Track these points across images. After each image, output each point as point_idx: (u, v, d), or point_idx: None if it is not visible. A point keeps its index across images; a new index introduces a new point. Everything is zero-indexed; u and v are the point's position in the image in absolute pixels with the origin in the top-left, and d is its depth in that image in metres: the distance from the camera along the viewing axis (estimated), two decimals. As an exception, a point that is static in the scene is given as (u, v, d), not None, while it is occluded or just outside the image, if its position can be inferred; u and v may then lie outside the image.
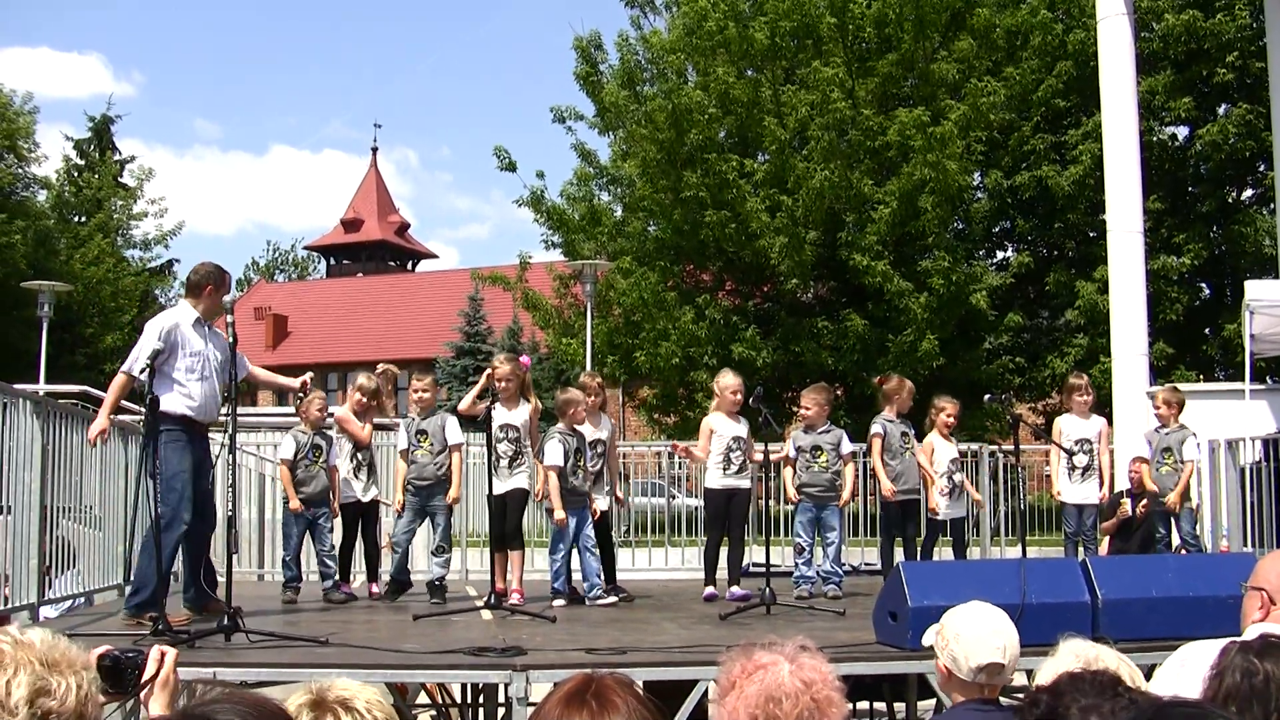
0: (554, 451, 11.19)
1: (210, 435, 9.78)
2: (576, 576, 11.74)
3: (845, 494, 11.85)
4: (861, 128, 30.48)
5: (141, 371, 9.06)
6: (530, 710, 7.21)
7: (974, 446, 18.41)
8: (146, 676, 3.91)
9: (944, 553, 13.05)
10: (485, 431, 10.73)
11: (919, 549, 12.52)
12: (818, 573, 11.75)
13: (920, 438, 12.57)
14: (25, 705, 2.75)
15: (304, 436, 11.87)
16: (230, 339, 8.98)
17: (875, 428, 12.42)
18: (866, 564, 16.13)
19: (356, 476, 12.22)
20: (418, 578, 12.26)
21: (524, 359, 11.79)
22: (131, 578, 9.77)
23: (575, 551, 11.52)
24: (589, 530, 11.41)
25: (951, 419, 12.53)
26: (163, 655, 3.90)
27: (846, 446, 11.92)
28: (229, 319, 9.05)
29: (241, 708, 2.47)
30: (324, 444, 11.94)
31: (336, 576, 11.90)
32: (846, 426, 12.22)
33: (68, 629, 8.37)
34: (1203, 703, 2.20)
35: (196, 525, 9.49)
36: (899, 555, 12.24)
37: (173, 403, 9.36)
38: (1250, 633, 4.69)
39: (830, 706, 3.27)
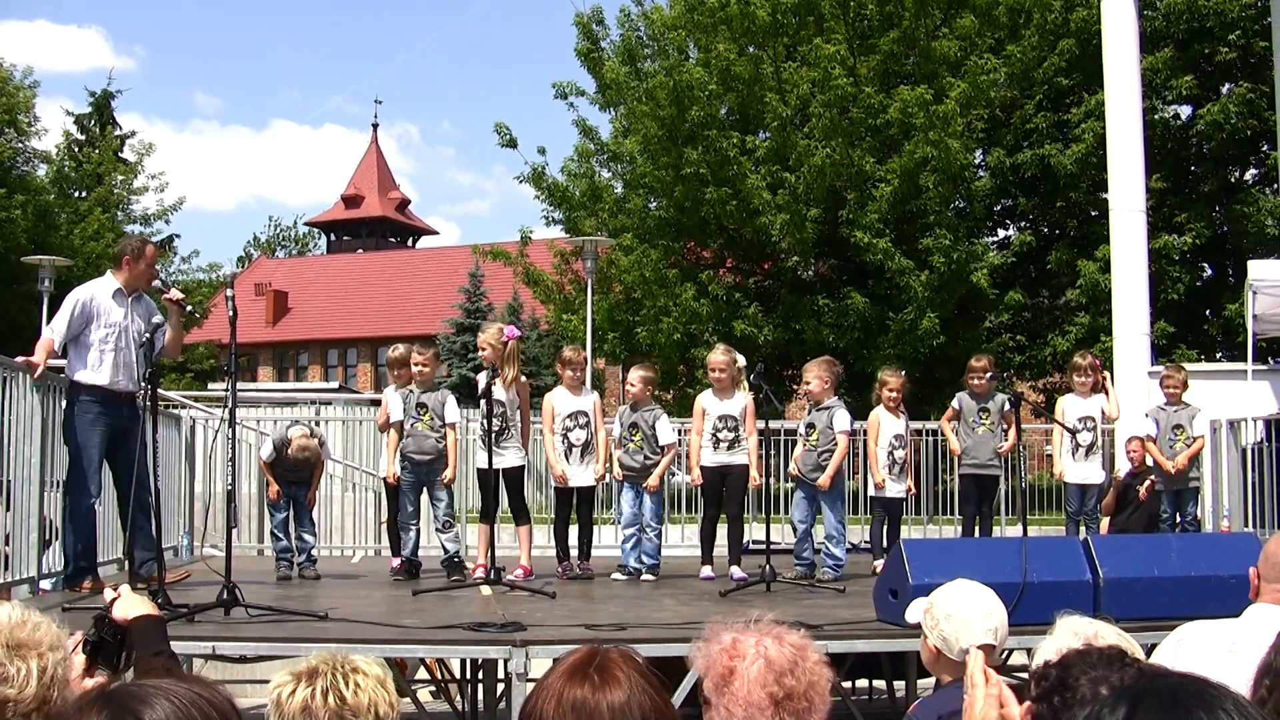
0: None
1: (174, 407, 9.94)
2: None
3: (825, 477, 11.42)
4: (863, 105, 30.38)
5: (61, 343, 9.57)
6: (530, 685, 7.22)
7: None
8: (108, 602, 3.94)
9: (944, 531, 13.02)
10: (485, 404, 10.64)
11: (981, 527, 12.58)
12: (819, 552, 11.69)
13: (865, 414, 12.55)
14: None
15: (295, 427, 11.89)
16: (231, 313, 8.91)
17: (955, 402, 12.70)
18: (865, 542, 16.11)
19: None
20: (424, 554, 12.16)
21: (509, 329, 11.61)
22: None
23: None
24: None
25: (895, 393, 12.38)
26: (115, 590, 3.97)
27: (841, 424, 11.61)
28: (229, 293, 9.02)
29: (174, 694, 2.34)
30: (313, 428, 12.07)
31: (313, 551, 11.98)
32: (846, 404, 12.09)
33: (64, 603, 8.37)
34: (1203, 677, 2.17)
35: (98, 495, 9.85)
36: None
37: (86, 374, 9.70)
38: (1250, 612, 4.68)
39: (823, 668, 3.27)
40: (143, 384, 8.85)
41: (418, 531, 11.65)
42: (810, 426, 11.65)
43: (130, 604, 3.93)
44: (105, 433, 9.70)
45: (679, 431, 13.37)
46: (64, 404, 9.88)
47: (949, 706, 4.65)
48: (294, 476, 11.74)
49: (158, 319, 9.34)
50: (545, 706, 2.77)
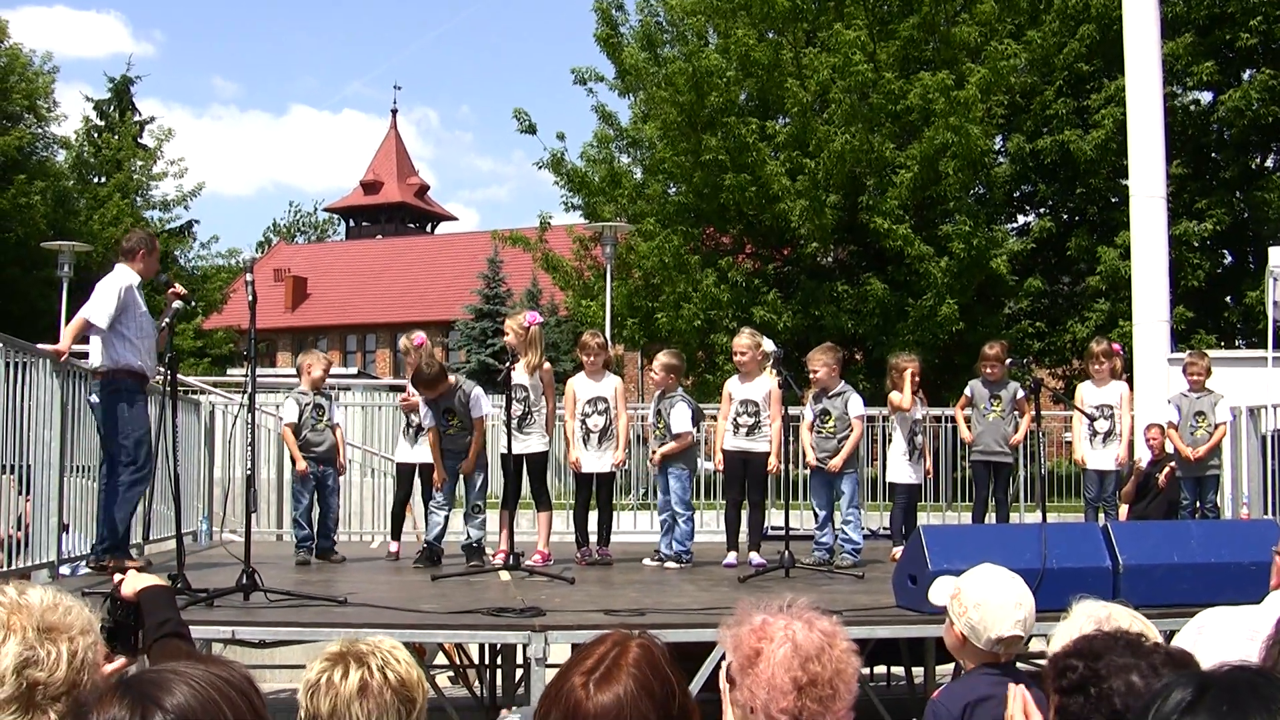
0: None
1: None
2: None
3: (837, 459, 11.43)
4: (883, 91, 30.32)
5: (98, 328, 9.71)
6: (550, 671, 7.23)
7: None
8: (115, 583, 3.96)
9: (962, 517, 12.99)
10: (505, 392, 10.64)
11: (998, 513, 12.56)
12: (837, 538, 11.66)
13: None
14: (12, 676, 2.65)
15: (305, 398, 11.85)
16: (250, 298, 8.93)
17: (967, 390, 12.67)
18: (884, 528, 16.10)
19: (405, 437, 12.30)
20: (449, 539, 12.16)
21: (530, 315, 11.58)
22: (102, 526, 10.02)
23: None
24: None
25: (917, 378, 12.33)
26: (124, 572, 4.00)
27: (856, 409, 11.60)
28: (248, 278, 9.04)
29: (192, 677, 2.34)
30: (325, 403, 11.98)
31: (335, 537, 12.01)
32: (865, 391, 12.06)
33: (83, 587, 8.39)
34: (1267, 670, 2.16)
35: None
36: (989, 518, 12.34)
37: (130, 360, 9.87)
38: (1273, 599, 4.66)
39: (851, 657, 3.25)
40: (163, 369, 8.92)
41: (446, 518, 11.64)
42: (825, 413, 11.60)
43: (136, 579, 3.95)
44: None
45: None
46: (97, 389, 9.98)
47: (976, 694, 4.64)
48: (321, 455, 11.77)
49: (178, 305, 9.50)
50: (550, 701, 2.85)
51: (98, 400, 9.90)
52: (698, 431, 11.73)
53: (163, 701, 2.25)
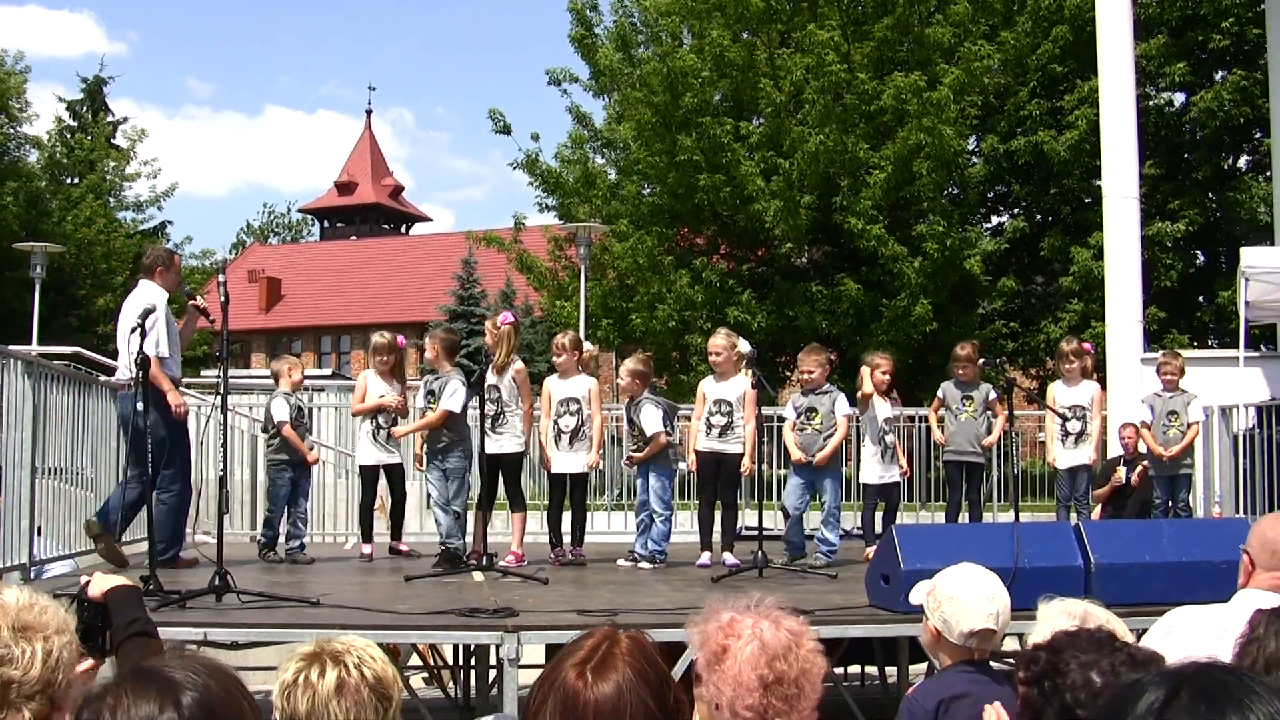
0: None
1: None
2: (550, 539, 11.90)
3: (823, 453, 11.47)
4: (857, 92, 30.37)
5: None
6: (522, 672, 7.22)
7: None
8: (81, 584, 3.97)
9: (936, 517, 13.01)
10: (478, 393, 10.68)
11: (971, 514, 12.61)
12: (813, 538, 11.68)
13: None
14: None
15: (291, 399, 11.91)
16: (222, 299, 8.96)
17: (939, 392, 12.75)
18: (857, 529, 16.12)
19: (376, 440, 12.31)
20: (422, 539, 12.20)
21: (503, 314, 11.67)
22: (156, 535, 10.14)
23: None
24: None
25: (887, 375, 12.38)
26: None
27: (843, 408, 11.63)
28: (220, 279, 9.08)
29: (194, 666, 2.39)
30: (303, 405, 12.14)
31: (305, 539, 12.02)
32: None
33: (55, 590, 8.36)
34: (1239, 669, 2.16)
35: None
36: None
37: (167, 371, 10.45)
38: (1240, 598, 4.68)
39: (818, 656, 3.27)
40: (134, 369, 8.93)
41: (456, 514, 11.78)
42: (812, 410, 11.60)
43: (101, 581, 3.96)
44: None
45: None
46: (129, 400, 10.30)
47: (951, 691, 4.65)
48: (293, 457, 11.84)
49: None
50: (541, 696, 2.83)
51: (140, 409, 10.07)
52: (672, 430, 11.70)
53: (181, 695, 2.28)
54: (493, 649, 7.65)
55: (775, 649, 3.19)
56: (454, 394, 11.44)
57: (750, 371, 11.17)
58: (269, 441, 12.05)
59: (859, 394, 12.29)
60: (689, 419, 12.15)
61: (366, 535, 12.33)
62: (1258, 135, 32.82)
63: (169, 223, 52.36)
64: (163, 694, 2.27)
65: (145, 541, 9.44)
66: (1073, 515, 12.50)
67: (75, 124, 49.53)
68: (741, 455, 11.40)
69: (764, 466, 12.75)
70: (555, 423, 11.55)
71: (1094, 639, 3.58)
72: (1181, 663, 2.15)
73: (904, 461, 12.85)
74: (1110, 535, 8.64)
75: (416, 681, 13.48)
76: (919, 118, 28.85)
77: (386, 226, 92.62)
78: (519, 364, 11.52)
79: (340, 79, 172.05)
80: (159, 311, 10.28)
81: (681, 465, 12.83)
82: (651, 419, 11.46)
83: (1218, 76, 32.92)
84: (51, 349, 23.88)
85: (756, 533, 10.68)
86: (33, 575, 10.07)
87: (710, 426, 11.45)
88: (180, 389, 10.72)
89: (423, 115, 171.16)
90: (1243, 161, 34.72)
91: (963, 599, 4.79)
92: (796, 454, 11.60)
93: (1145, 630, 4.82)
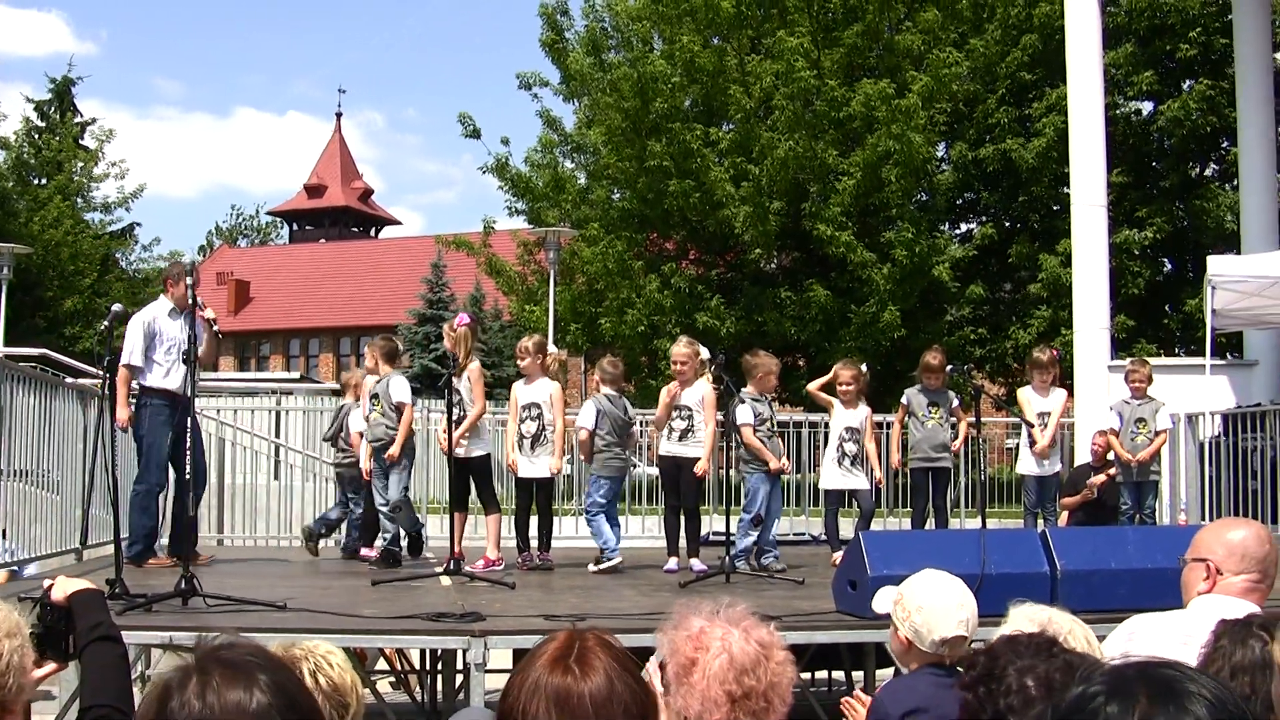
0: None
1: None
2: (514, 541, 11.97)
3: (773, 463, 11.69)
4: (826, 98, 30.40)
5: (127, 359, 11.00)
6: (489, 676, 7.21)
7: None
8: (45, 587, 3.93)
9: (903, 523, 13.03)
10: (446, 396, 10.68)
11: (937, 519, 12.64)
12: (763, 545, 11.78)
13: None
14: None
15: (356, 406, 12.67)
16: (192, 301, 8.98)
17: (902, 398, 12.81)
18: (823, 535, 16.14)
19: None
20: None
21: (460, 316, 11.74)
22: (126, 533, 10.43)
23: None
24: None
25: (848, 385, 12.39)
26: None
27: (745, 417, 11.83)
28: (188, 280, 9.10)
29: (255, 651, 2.44)
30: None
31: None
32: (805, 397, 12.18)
33: (17, 593, 8.32)
34: (1174, 662, 2.17)
35: (165, 483, 11.45)
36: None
37: (157, 380, 11.10)
38: (1201, 604, 4.70)
39: (787, 668, 3.25)
40: (102, 372, 8.97)
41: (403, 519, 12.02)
42: (762, 419, 11.82)
43: (65, 584, 3.93)
44: (171, 432, 11.01)
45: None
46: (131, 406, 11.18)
47: (916, 700, 4.66)
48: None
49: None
50: (526, 698, 2.73)
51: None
52: (640, 435, 11.76)
53: (260, 679, 2.30)
54: (459, 654, 7.63)
55: (744, 663, 3.16)
56: (401, 387, 11.76)
57: (717, 377, 11.25)
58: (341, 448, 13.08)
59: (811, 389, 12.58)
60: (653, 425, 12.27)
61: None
62: (1224, 144, 32.96)
63: (137, 224, 52.24)
64: (248, 679, 2.26)
65: (110, 545, 9.40)
66: (1040, 522, 12.55)
67: (43, 124, 49.29)
68: (698, 460, 11.49)
69: (730, 471, 12.78)
70: (519, 427, 11.57)
71: (1033, 644, 3.60)
72: (1120, 664, 2.15)
73: (877, 468, 12.91)
74: (1076, 542, 8.67)
75: (383, 686, 13.45)
76: (888, 124, 28.89)
77: (356, 230, 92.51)
78: (475, 364, 11.58)
79: (311, 79, 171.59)
80: (151, 324, 11.15)
81: (648, 470, 12.83)
82: (585, 414, 11.79)
83: (1185, 86, 33.05)
84: (18, 350, 23.78)
85: (724, 538, 10.71)
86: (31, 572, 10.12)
87: (671, 431, 11.55)
88: (173, 392, 11.02)
89: (393, 118, 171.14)
90: (1210, 170, 34.85)
91: (933, 607, 4.80)
92: (778, 463, 11.80)
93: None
